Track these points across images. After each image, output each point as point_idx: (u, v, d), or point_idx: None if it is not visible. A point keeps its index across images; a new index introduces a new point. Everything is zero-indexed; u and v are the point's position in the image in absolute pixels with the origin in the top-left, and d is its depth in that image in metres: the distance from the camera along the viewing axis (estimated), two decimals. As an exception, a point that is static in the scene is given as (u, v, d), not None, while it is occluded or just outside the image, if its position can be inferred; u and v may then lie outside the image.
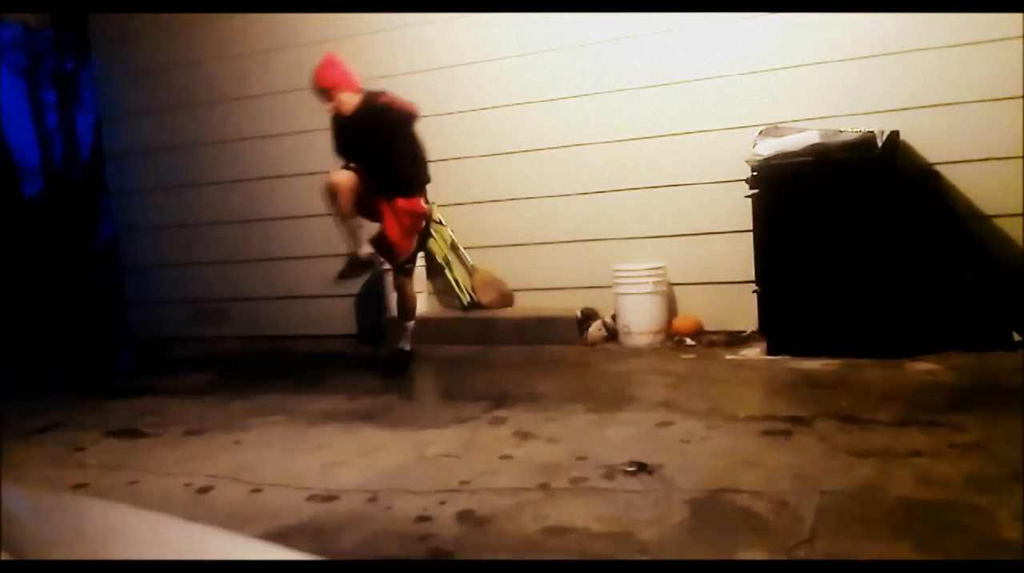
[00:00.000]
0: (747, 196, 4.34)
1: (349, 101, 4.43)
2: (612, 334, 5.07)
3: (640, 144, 5.13)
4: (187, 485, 2.97)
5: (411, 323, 4.76)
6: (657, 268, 4.93)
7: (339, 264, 4.76)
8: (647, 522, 2.28)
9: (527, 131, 5.41)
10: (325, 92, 4.43)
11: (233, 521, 2.47)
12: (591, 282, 5.20)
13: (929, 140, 4.36)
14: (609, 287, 5.01)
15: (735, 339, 4.71)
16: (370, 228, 4.55)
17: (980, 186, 4.33)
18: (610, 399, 3.71)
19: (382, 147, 4.40)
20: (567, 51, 5.29)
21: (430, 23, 5.56)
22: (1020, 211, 4.22)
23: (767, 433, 3.00)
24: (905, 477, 2.46)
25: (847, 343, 4.06)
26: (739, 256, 4.55)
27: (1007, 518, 2.11)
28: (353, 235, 4.51)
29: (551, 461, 2.87)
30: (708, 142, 4.91)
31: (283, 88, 6.15)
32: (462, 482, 2.72)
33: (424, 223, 4.71)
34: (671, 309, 5.03)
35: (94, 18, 6.93)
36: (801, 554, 2.01)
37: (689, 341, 4.82)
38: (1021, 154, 4.19)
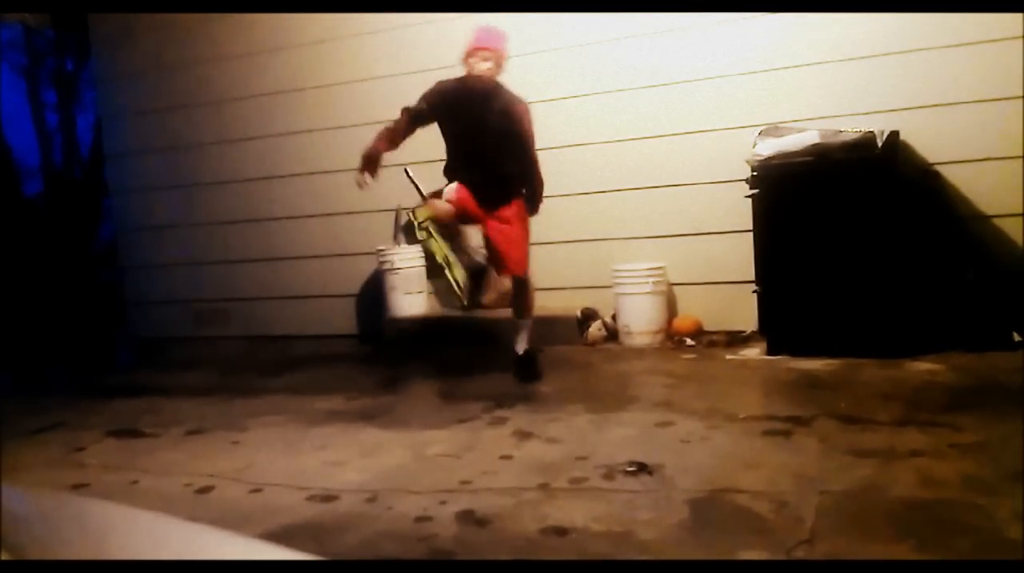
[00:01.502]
0: (747, 196, 4.33)
1: (478, 67, 4.05)
2: (612, 334, 5.06)
3: (640, 144, 5.13)
4: (187, 485, 2.97)
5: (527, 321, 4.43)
6: (657, 268, 4.93)
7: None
8: (647, 522, 2.28)
9: (527, 131, 5.39)
10: (478, 52, 4.05)
11: (233, 521, 2.47)
12: (591, 282, 5.20)
13: (929, 140, 4.36)
14: (609, 287, 5.00)
15: (735, 339, 4.70)
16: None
17: (980, 186, 4.33)
18: (610, 399, 3.71)
19: (494, 134, 4.05)
20: (567, 51, 5.29)
21: (430, 23, 5.55)
22: (1020, 211, 4.22)
23: (767, 433, 3.00)
24: (905, 477, 2.46)
25: (847, 343, 4.06)
26: (739, 256, 4.54)
27: (1007, 518, 2.11)
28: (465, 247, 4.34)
29: (551, 461, 2.87)
30: (708, 142, 4.91)
31: (283, 88, 6.15)
32: (462, 482, 2.72)
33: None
34: (671, 309, 5.03)
35: (94, 18, 6.92)
36: (801, 554, 2.01)
37: (689, 341, 4.82)
38: (1021, 154, 4.19)
